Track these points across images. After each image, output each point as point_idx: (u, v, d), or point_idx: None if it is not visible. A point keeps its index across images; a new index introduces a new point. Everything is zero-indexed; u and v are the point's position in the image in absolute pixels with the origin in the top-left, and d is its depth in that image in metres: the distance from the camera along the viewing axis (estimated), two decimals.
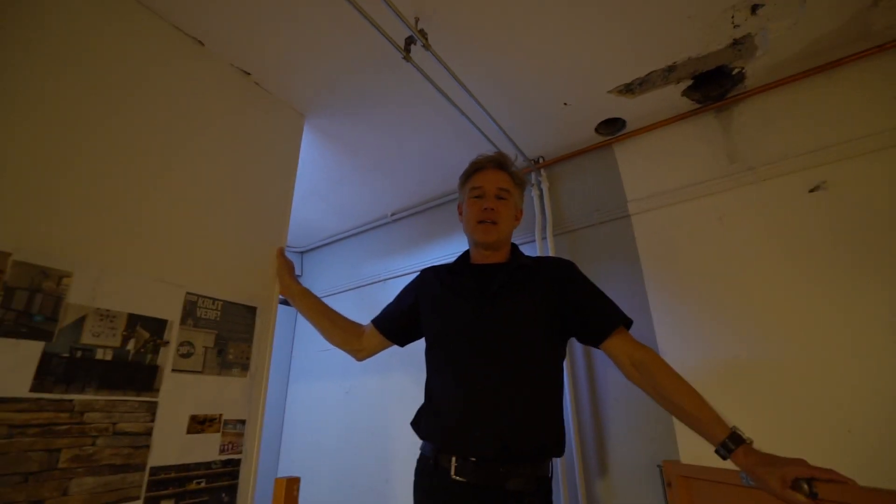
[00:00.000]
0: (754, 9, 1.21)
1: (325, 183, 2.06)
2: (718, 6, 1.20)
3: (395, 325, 1.29)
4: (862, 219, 1.23)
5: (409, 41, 1.17)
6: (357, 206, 2.30)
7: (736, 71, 1.42)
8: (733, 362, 1.31)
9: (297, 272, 2.77)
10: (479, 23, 1.22)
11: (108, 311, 0.93)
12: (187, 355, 1.05)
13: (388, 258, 2.34)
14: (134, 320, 0.97)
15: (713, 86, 1.48)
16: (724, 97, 1.52)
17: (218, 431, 1.06)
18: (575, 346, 1.59)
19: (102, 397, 0.88)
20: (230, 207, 1.26)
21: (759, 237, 1.37)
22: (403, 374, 1.93)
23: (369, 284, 2.34)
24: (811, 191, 1.32)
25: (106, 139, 1.01)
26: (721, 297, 1.38)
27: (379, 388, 2.06)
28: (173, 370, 1.01)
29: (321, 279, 2.64)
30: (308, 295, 1.35)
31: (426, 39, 1.17)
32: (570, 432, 1.47)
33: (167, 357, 1.01)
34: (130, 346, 0.95)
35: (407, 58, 1.18)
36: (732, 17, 1.24)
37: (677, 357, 1.38)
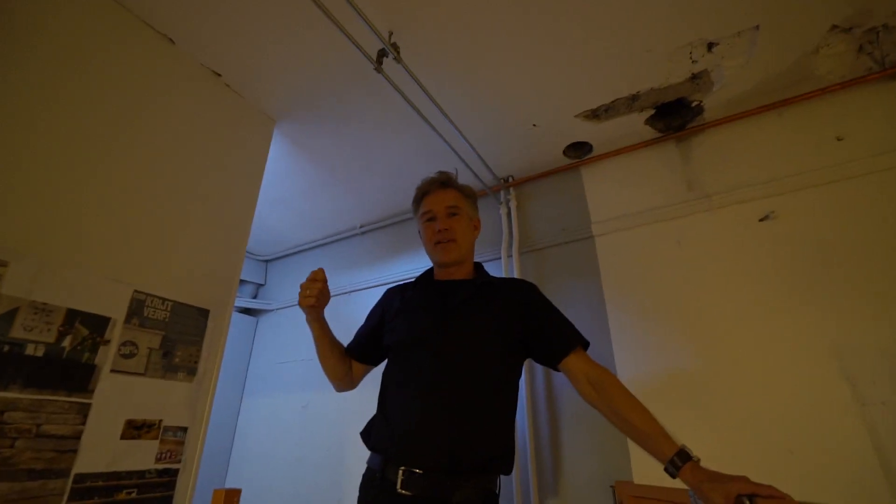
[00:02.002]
0: (710, 46, 1.30)
1: (293, 192, 2.05)
2: (677, 42, 1.28)
3: (364, 347, 1.27)
4: (806, 248, 1.30)
5: (382, 54, 1.20)
6: (324, 217, 2.29)
7: (695, 103, 1.51)
8: (685, 380, 1.34)
9: (261, 280, 2.72)
10: (451, 41, 1.27)
11: (44, 304, 0.89)
12: (129, 356, 1.01)
13: (353, 271, 2.32)
14: (73, 316, 0.93)
15: (674, 116, 1.57)
16: (684, 127, 1.60)
17: (156, 438, 1.02)
18: (535, 366, 1.60)
19: (28, 396, 0.83)
20: (190, 207, 1.24)
21: (713, 262, 1.43)
22: (363, 392, 1.87)
23: (334, 296, 2.29)
24: (761, 220, 1.39)
25: (62, 129, 0.99)
26: (675, 318, 1.42)
27: (338, 405, 2.01)
28: (112, 370, 0.97)
29: (285, 289, 2.59)
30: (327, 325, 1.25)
31: (398, 53, 1.20)
32: (527, 451, 1.47)
33: (107, 356, 0.97)
34: (66, 342, 0.91)
35: (378, 69, 1.20)
36: (690, 52, 1.32)
37: (633, 373, 1.41)
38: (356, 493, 1.06)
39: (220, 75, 1.40)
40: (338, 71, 1.37)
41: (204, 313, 1.19)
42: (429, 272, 1.30)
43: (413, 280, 1.28)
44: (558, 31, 1.24)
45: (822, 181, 1.34)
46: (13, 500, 0.78)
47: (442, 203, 1.22)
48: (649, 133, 1.65)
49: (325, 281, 1.17)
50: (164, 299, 1.11)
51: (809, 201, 1.34)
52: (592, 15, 1.19)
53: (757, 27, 1.23)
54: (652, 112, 1.56)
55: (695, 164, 1.57)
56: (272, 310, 2.52)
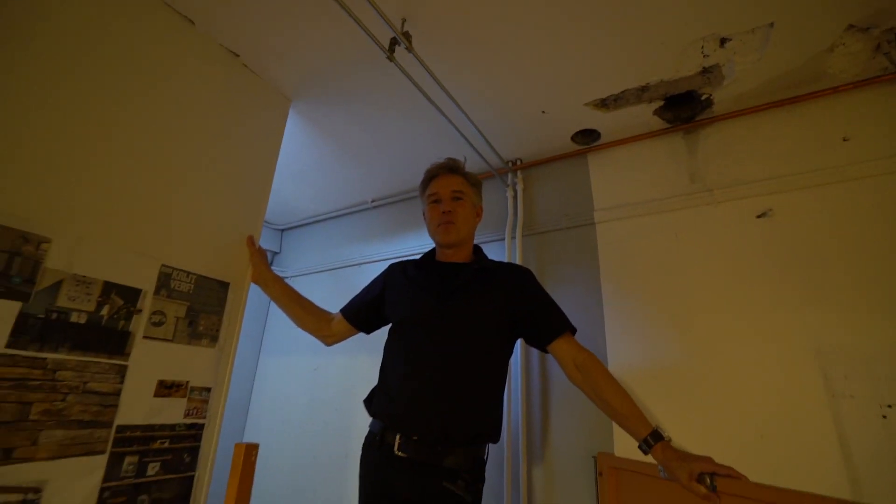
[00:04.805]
0: (722, 42, 1.29)
1: (308, 165, 2.10)
2: (689, 36, 1.28)
3: (362, 314, 1.38)
4: (798, 247, 1.33)
5: (394, 42, 1.22)
6: (337, 191, 2.35)
7: (705, 97, 1.51)
8: (673, 370, 1.42)
9: (276, 249, 2.82)
10: (464, 29, 1.28)
11: (84, 277, 0.98)
12: (159, 324, 1.11)
13: (364, 243, 2.40)
14: (109, 288, 1.02)
15: (684, 107, 1.56)
16: (692, 119, 1.60)
17: (184, 397, 1.14)
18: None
19: (75, 357, 0.94)
20: (210, 185, 1.31)
21: (708, 256, 1.46)
22: (369, 357, 2.02)
23: (345, 267, 2.40)
24: (759, 217, 1.42)
25: (91, 112, 1.05)
26: (669, 310, 1.48)
27: (346, 369, 2.14)
28: (144, 337, 1.08)
29: (299, 258, 2.69)
30: (280, 282, 1.43)
31: (409, 42, 1.22)
32: (518, 423, 1.58)
33: (139, 324, 1.07)
34: (104, 311, 1.01)
35: (390, 58, 1.23)
36: (702, 47, 1.31)
37: (623, 359, 1.49)
38: (360, 450, 1.19)
39: (237, 55, 1.43)
40: (351, 56, 1.39)
41: (224, 286, 1.29)
42: (431, 253, 1.37)
43: (416, 258, 1.37)
44: (570, 22, 1.24)
45: (822, 182, 1.35)
46: (67, 445, 0.90)
47: (448, 187, 1.29)
48: (658, 123, 1.65)
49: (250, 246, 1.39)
50: (188, 273, 1.20)
51: (808, 201, 1.36)
52: (605, 8, 1.19)
53: (772, 24, 1.22)
54: (661, 103, 1.55)
55: (699, 157, 1.58)
56: (287, 277, 2.63)
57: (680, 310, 1.46)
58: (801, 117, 1.43)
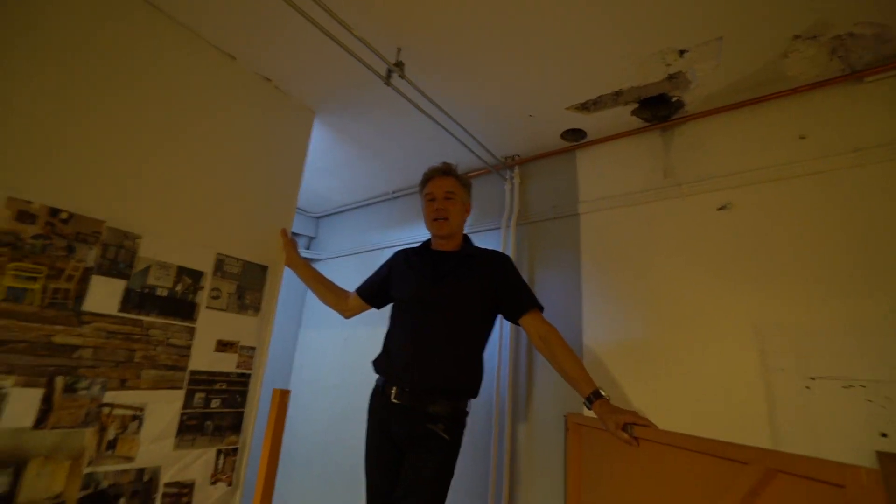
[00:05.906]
0: (681, 53, 1.46)
1: (335, 163, 2.45)
2: (647, 50, 1.46)
3: (373, 293, 1.71)
4: (750, 237, 1.50)
5: (390, 71, 1.50)
6: (362, 183, 2.70)
7: (675, 98, 1.67)
8: (638, 341, 1.64)
9: (313, 234, 3.22)
10: (453, 52, 1.53)
11: (164, 262, 1.37)
12: (216, 297, 1.49)
13: (387, 230, 2.74)
14: (181, 270, 1.41)
15: (660, 107, 1.73)
16: (668, 118, 1.77)
17: (236, 353, 1.52)
18: None
19: (161, 320, 1.34)
20: (251, 187, 1.67)
21: (675, 244, 1.65)
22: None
23: (371, 251, 2.75)
24: (719, 209, 1.59)
25: (166, 140, 1.43)
26: (637, 291, 1.69)
27: (370, 339, 2.50)
28: (206, 307, 1.46)
29: (332, 242, 3.07)
30: (308, 265, 1.78)
31: (402, 71, 1.49)
32: (505, 386, 1.87)
33: (202, 298, 1.45)
34: (179, 288, 1.40)
35: (388, 83, 1.51)
36: (664, 57, 1.49)
37: (597, 333, 1.73)
38: None
39: (270, 80, 1.77)
40: (359, 79, 1.68)
41: (264, 269, 1.65)
42: (428, 242, 1.67)
43: (416, 247, 1.67)
44: (543, 42, 1.45)
45: (777, 177, 1.50)
46: (158, 381, 1.31)
47: (442, 188, 1.57)
48: (637, 122, 1.83)
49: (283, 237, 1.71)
50: (236, 259, 1.57)
51: (763, 195, 1.51)
52: (570, 31, 1.39)
53: (720, 38, 1.38)
54: (636, 105, 1.73)
55: (673, 154, 1.75)
56: (321, 259, 3.03)
57: (647, 293, 1.67)
58: (763, 116, 1.57)
